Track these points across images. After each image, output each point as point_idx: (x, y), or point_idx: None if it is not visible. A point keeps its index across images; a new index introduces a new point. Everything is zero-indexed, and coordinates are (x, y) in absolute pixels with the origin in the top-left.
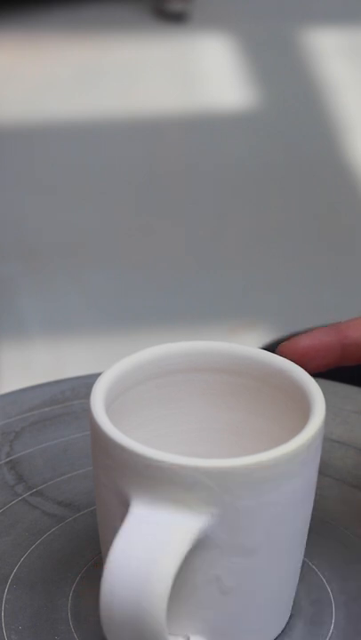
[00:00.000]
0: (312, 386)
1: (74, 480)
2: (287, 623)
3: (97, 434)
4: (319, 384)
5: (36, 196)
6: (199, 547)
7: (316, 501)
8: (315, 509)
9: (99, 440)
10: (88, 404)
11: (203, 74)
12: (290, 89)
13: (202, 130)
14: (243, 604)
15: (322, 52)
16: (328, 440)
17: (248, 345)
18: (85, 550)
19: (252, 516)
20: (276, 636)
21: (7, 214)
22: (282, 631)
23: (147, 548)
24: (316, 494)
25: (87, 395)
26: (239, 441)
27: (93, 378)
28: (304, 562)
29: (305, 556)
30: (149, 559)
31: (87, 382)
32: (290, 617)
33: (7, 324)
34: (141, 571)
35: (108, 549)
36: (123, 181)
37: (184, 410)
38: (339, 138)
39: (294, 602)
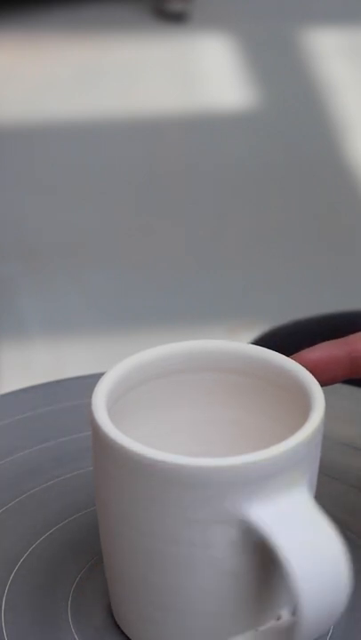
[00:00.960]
0: (312, 384)
1: (74, 480)
2: None
3: (98, 435)
4: (339, 390)
5: (36, 196)
6: None
7: (316, 502)
8: None
9: (100, 441)
10: (89, 404)
11: (203, 74)
12: (290, 89)
13: (202, 130)
14: None
15: (322, 52)
16: (332, 442)
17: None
18: (85, 550)
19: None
20: None
21: (7, 214)
22: None
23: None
24: (316, 495)
25: (88, 395)
26: (240, 440)
27: (93, 378)
28: None
29: None
30: (324, 548)
31: (87, 382)
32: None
33: (7, 324)
34: (329, 565)
35: (107, 549)
36: (123, 181)
37: (185, 410)
38: (339, 138)
39: None
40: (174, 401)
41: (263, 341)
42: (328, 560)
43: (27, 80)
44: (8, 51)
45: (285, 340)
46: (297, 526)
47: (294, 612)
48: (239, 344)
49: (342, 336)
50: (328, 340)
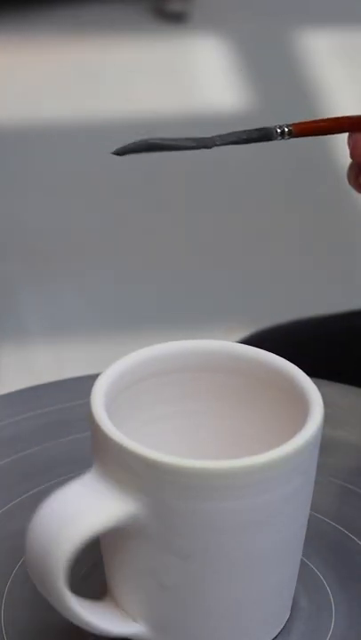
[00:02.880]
0: (309, 385)
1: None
2: (286, 623)
3: (98, 434)
4: (324, 386)
5: (36, 196)
6: None
7: (316, 501)
8: (315, 510)
9: (99, 440)
10: (88, 404)
11: (202, 74)
12: (289, 89)
13: (201, 129)
14: (269, 594)
15: (321, 53)
16: (332, 442)
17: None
18: (85, 550)
19: (278, 507)
20: (275, 635)
21: (7, 214)
22: (281, 631)
23: (67, 511)
24: (316, 495)
25: (87, 395)
26: (238, 440)
27: (93, 378)
28: (303, 562)
29: (304, 555)
30: (64, 522)
31: (87, 382)
32: (289, 617)
33: (7, 324)
34: (53, 527)
35: (108, 551)
36: (122, 181)
37: (183, 409)
38: (336, 138)
39: (294, 602)
40: (171, 400)
41: (259, 340)
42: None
43: (27, 80)
44: (8, 51)
45: (283, 339)
46: None
47: None
48: (236, 345)
49: (340, 337)
50: (326, 340)
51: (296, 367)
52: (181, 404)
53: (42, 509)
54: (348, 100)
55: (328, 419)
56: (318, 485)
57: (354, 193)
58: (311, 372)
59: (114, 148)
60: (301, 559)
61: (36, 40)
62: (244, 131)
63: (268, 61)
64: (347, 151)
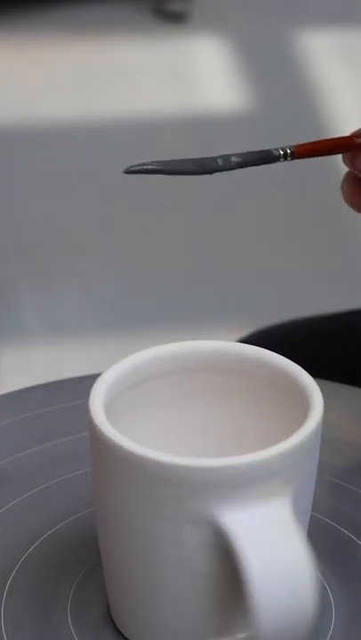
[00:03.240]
0: (310, 384)
1: (74, 480)
2: None
3: (95, 434)
4: (323, 386)
5: (36, 196)
6: None
7: (316, 501)
8: (314, 509)
9: (97, 441)
10: (87, 405)
11: (202, 74)
12: (288, 89)
13: (201, 129)
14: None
15: (321, 53)
16: (332, 442)
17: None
18: (84, 551)
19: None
20: None
21: (7, 214)
22: None
23: (275, 548)
24: (316, 495)
25: (87, 395)
26: (239, 439)
27: (93, 378)
28: None
29: None
30: (288, 562)
31: (86, 383)
32: None
33: (7, 324)
34: (290, 577)
35: (105, 549)
36: (122, 181)
37: (183, 409)
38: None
39: None
40: (172, 401)
41: (258, 340)
42: (293, 580)
43: (26, 80)
44: (8, 51)
45: (281, 339)
46: (266, 540)
47: (252, 628)
48: (237, 344)
49: (339, 337)
50: (325, 340)
51: (297, 365)
52: (182, 404)
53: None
54: (348, 101)
55: (327, 418)
56: (318, 485)
57: None
58: (310, 372)
59: (114, 148)
60: None
61: (36, 40)
62: (247, 153)
63: (268, 61)
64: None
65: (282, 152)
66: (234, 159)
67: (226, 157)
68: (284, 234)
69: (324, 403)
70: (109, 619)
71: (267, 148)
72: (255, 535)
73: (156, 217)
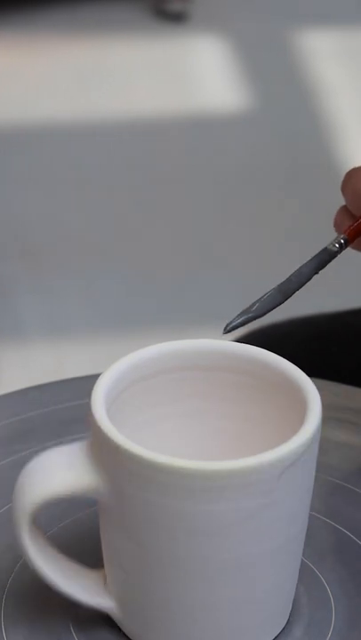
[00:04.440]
0: (308, 384)
1: None
2: (287, 623)
3: (97, 435)
4: (322, 386)
5: (36, 196)
6: None
7: (316, 501)
8: (314, 509)
9: (99, 441)
10: (88, 404)
11: (202, 74)
12: (288, 90)
13: (200, 129)
14: (269, 596)
15: (320, 53)
16: (331, 442)
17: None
18: (85, 551)
19: (278, 507)
20: (275, 635)
21: (7, 214)
22: (281, 631)
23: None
24: (315, 494)
25: (87, 395)
26: (238, 439)
27: (93, 378)
28: (303, 562)
29: (304, 556)
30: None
31: (87, 383)
32: (289, 617)
33: (7, 324)
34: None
35: (107, 550)
36: (122, 181)
37: (183, 409)
38: (334, 139)
39: (294, 602)
40: (171, 399)
41: (255, 339)
42: None
43: (26, 80)
44: (7, 51)
45: (280, 338)
46: None
47: None
48: (236, 344)
49: (336, 335)
50: (322, 339)
51: (295, 366)
52: (181, 403)
53: (28, 464)
54: (348, 101)
55: (325, 418)
56: (318, 485)
57: None
58: (308, 371)
59: (113, 148)
60: (301, 559)
61: (35, 40)
62: (309, 260)
63: (268, 61)
64: (346, 153)
65: (337, 245)
66: (304, 270)
67: (297, 272)
68: (284, 234)
69: (323, 402)
70: (109, 619)
71: (263, 147)
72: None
73: (156, 217)
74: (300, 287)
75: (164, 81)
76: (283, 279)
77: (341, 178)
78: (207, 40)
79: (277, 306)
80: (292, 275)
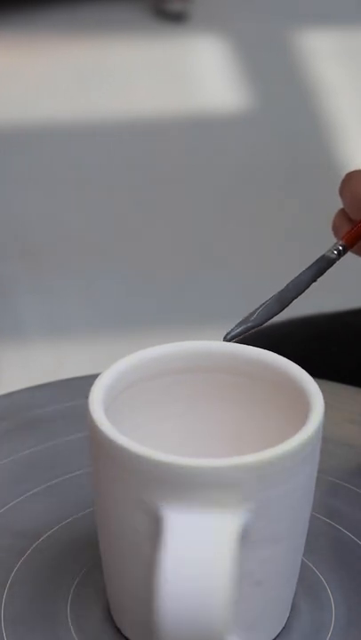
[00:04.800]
0: (310, 384)
1: (74, 480)
2: (286, 623)
3: (96, 435)
4: (322, 386)
5: (36, 196)
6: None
7: (316, 501)
8: (314, 509)
9: (97, 441)
10: (87, 404)
11: (202, 74)
12: (288, 90)
13: (201, 129)
14: (270, 597)
15: (320, 53)
16: (332, 442)
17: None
18: (85, 551)
19: (279, 506)
20: (275, 635)
21: (7, 214)
22: (281, 631)
23: (198, 559)
24: (315, 494)
25: (87, 395)
26: (239, 440)
27: (93, 378)
28: (303, 562)
29: (304, 555)
30: (204, 573)
31: (86, 383)
32: (289, 617)
33: (7, 324)
34: (200, 586)
35: (108, 552)
36: (122, 181)
37: (183, 409)
38: (334, 139)
39: (294, 602)
40: (171, 400)
41: (256, 339)
42: (201, 597)
43: (26, 80)
44: (7, 51)
45: (280, 338)
46: (191, 548)
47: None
48: (236, 345)
49: (335, 335)
50: (321, 339)
51: (296, 365)
52: (181, 404)
53: (169, 584)
54: (347, 100)
55: (327, 418)
56: (318, 485)
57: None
58: (308, 371)
59: (113, 148)
60: (301, 559)
61: (35, 40)
62: (308, 268)
63: (268, 61)
64: (346, 153)
65: (336, 252)
66: (302, 278)
67: (295, 280)
68: (284, 234)
69: (324, 402)
70: (109, 619)
71: (263, 147)
72: (184, 537)
73: (156, 217)
74: (299, 295)
75: (164, 81)
76: (283, 279)
77: (341, 178)
78: (207, 40)
79: (276, 314)
80: (290, 283)
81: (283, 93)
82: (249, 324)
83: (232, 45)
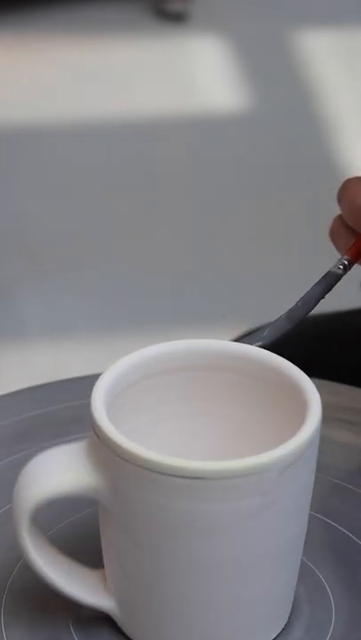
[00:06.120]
0: (308, 384)
1: None
2: (287, 623)
3: (98, 434)
4: (322, 385)
5: (36, 197)
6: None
7: (316, 501)
8: (314, 509)
9: (100, 441)
10: (88, 404)
11: (202, 74)
12: (288, 90)
13: (201, 129)
14: (269, 596)
15: (320, 53)
16: (331, 442)
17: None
18: (85, 551)
19: (278, 506)
20: (275, 636)
21: (7, 215)
22: (281, 631)
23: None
24: (315, 494)
25: (87, 395)
26: (239, 439)
27: (93, 378)
28: (303, 562)
29: (304, 555)
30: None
31: (87, 383)
32: (289, 617)
33: (7, 324)
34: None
35: (107, 550)
36: (123, 181)
37: (183, 409)
38: (334, 139)
39: (294, 602)
40: (171, 399)
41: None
42: None
43: (26, 80)
44: (7, 51)
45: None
46: None
47: None
48: (236, 344)
49: (336, 335)
50: (321, 339)
51: (295, 366)
52: (181, 404)
53: (28, 464)
54: (347, 101)
55: (325, 418)
56: (318, 485)
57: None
58: (307, 371)
59: (113, 148)
60: (301, 559)
61: (35, 40)
62: (316, 284)
63: (268, 61)
64: (346, 153)
65: (341, 266)
66: (311, 294)
67: (304, 297)
68: (284, 234)
69: (323, 402)
70: (109, 619)
71: (263, 147)
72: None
73: (156, 217)
74: (308, 312)
75: (164, 81)
76: (283, 279)
77: (341, 178)
78: (207, 40)
79: (286, 333)
80: (299, 300)
81: (283, 93)
82: (259, 343)
83: (232, 45)
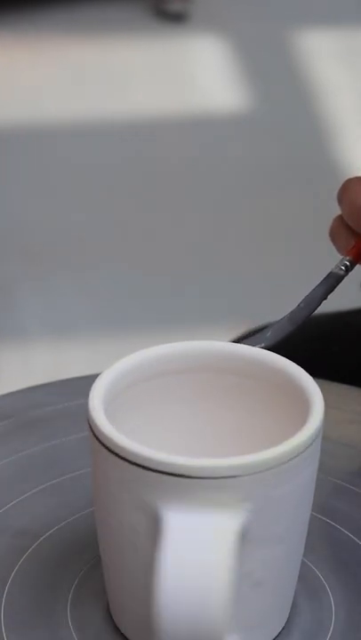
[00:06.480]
0: (310, 384)
1: (74, 480)
2: (286, 623)
3: (96, 435)
4: (323, 386)
5: (36, 197)
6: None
7: (316, 501)
8: (314, 509)
9: (97, 441)
10: (87, 404)
11: (202, 74)
12: (288, 90)
13: (201, 129)
14: (270, 597)
15: (320, 53)
16: (332, 442)
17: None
18: (84, 551)
19: (279, 506)
20: (275, 635)
21: (7, 215)
22: (281, 631)
23: (198, 560)
24: (315, 494)
25: (87, 395)
26: (240, 440)
27: (92, 378)
28: (303, 562)
29: (304, 555)
30: (204, 573)
31: (86, 383)
32: (289, 617)
33: (7, 324)
34: (200, 586)
35: (107, 552)
36: (123, 181)
37: (184, 409)
38: (334, 139)
39: (294, 602)
40: (171, 400)
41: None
42: (200, 597)
43: (26, 80)
44: (7, 51)
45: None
46: (191, 548)
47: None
48: (237, 345)
49: (336, 335)
50: (323, 339)
51: (296, 365)
52: (182, 404)
53: (168, 583)
54: (347, 101)
55: (327, 418)
56: (318, 485)
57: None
58: (309, 371)
59: (113, 148)
60: (301, 559)
61: (35, 40)
62: (318, 285)
63: (268, 62)
64: (346, 153)
65: (343, 267)
66: (313, 296)
67: (306, 299)
68: (284, 234)
69: (324, 402)
70: (109, 619)
71: (263, 147)
72: (184, 537)
73: (156, 217)
74: (311, 314)
75: (164, 81)
76: (282, 279)
77: (341, 178)
78: (207, 40)
79: (289, 335)
80: (301, 301)
81: (283, 93)
82: (262, 345)
83: (232, 45)
